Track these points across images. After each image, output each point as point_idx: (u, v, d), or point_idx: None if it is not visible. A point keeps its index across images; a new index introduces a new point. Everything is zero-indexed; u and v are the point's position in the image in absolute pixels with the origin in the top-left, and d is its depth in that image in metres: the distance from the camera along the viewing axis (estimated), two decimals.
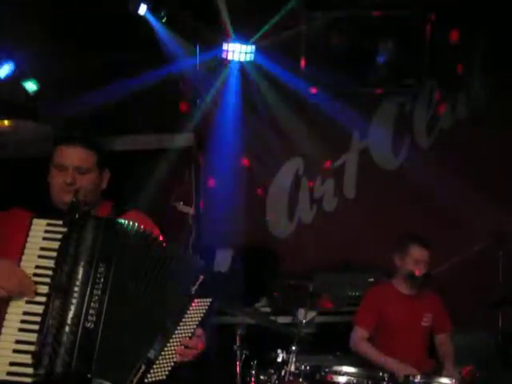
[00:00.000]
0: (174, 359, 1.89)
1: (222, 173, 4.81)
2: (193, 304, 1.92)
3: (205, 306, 1.94)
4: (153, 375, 1.86)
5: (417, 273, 3.40)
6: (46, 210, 1.99)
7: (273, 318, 3.97)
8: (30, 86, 3.95)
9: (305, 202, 5.04)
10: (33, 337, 1.79)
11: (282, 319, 4.02)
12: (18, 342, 1.80)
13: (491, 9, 4.30)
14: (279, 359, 2.82)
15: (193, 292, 1.91)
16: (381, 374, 2.72)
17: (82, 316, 1.81)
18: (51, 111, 4.41)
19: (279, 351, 2.85)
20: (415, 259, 3.43)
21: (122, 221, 1.95)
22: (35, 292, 1.83)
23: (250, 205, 4.88)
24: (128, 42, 4.14)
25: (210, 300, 1.94)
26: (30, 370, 1.77)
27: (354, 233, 4.77)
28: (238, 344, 2.93)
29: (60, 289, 1.81)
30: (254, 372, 2.92)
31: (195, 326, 1.93)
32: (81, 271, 1.83)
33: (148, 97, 4.44)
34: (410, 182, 4.80)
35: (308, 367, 2.77)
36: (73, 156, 2.02)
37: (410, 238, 3.52)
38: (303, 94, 4.71)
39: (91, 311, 1.82)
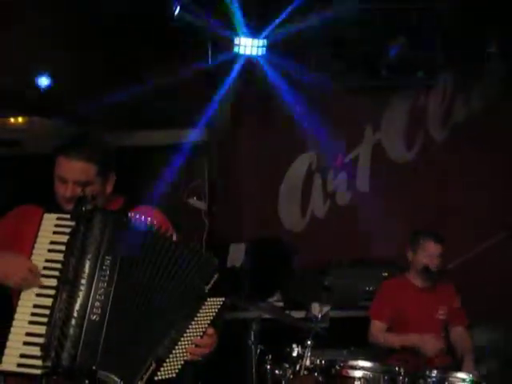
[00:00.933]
0: (185, 357, 1.89)
1: (235, 167, 4.81)
2: (206, 303, 1.91)
3: (217, 305, 1.94)
4: (163, 373, 1.86)
5: (431, 266, 3.39)
6: (58, 206, 2.02)
7: (287, 312, 3.96)
8: (43, 81, 3.96)
9: (318, 197, 5.02)
10: (42, 329, 1.82)
11: (295, 314, 4.01)
12: (28, 334, 1.84)
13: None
14: (294, 354, 2.81)
15: (206, 291, 1.91)
16: (397, 368, 2.70)
17: (88, 309, 1.83)
18: (65, 108, 4.43)
19: (294, 346, 2.85)
20: (429, 253, 3.42)
21: (130, 215, 1.96)
22: (40, 284, 1.86)
23: (263, 199, 4.87)
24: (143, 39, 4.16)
25: (223, 299, 1.94)
26: (39, 362, 1.80)
27: (368, 227, 4.74)
28: (252, 339, 2.93)
29: (67, 282, 1.84)
30: (268, 367, 2.91)
31: (207, 325, 1.93)
32: (87, 264, 1.86)
33: (162, 92, 4.44)
34: (423, 176, 4.78)
35: (323, 362, 2.77)
36: (72, 170, 2.02)
37: (423, 232, 3.51)
38: (315, 88, 4.69)
39: (97, 304, 1.83)
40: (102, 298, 1.84)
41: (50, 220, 1.94)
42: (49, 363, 1.78)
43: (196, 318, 1.91)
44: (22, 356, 1.81)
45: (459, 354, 3.40)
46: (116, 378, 1.83)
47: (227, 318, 4.00)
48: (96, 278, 1.85)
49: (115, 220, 1.93)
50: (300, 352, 2.80)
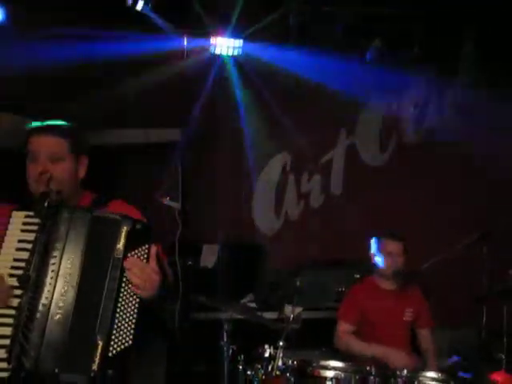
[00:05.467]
0: (133, 320, 1.84)
1: (210, 168, 4.80)
2: (127, 259, 1.85)
3: (144, 253, 1.88)
4: (116, 346, 1.81)
5: (394, 266, 3.41)
6: (27, 203, 1.96)
7: (259, 313, 3.96)
8: None
9: (292, 198, 5.04)
10: (8, 331, 1.77)
11: (268, 315, 4.01)
12: None
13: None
14: (266, 354, 2.81)
15: (121, 248, 1.85)
16: (368, 368, 2.72)
17: (51, 308, 1.79)
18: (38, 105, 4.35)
19: (266, 346, 2.84)
20: (388, 252, 3.45)
21: (95, 210, 1.92)
22: (7, 301, 1.81)
23: (237, 200, 4.87)
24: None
25: (147, 246, 1.89)
26: (5, 365, 1.75)
27: (341, 229, 4.78)
28: (225, 339, 2.92)
29: (29, 281, 1.79)
30: (241, 367, 2.90)
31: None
32: (51, 262, 1.82)
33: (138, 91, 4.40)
34: (396, 179, 4.83)
35: (295, 362, 2.77)
36: (43, 144, 1.98)
37: (382, 232, 3.55)
38: (291, 88, 4.71)
39: (60, 303, 1.79)
40: (66, 295, 1.81)
41: (18, 218, 1.90)
42: (12, 366, 1.74)
43: (124, 278, 1.85)
44: None
45: (424, 354, 3.44)
46: (81, 376, 1.78)
47: (200, 318, 4.02)
48: (60, 275, 1.82)
49: (80, 216, 1.89)
50: (272, 353, 2.80)
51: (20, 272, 1.82)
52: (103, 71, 4.26)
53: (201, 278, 4.28)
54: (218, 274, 4.41)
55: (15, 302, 1.81)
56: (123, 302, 1.85)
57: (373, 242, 3.57)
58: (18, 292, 1.82)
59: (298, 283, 4.38)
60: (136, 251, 1.89)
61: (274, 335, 3.03)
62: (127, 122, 4.76)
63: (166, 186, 4.23)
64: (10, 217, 1.91)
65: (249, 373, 2.89)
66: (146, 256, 1.90)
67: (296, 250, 4.83)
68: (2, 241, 1.87)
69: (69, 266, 1.83)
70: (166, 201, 3.78)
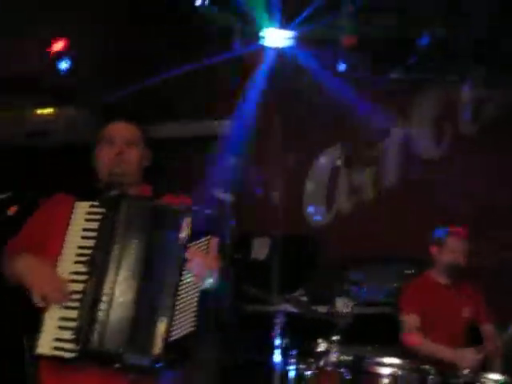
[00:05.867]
0: (193, 308, 1.91)
1: (262, 160, 4.79)
2: (189, 249, 1.93)
3: (204, 244, 1.95)
4: (177, 331, 1.88)
5: (456, 262, 3.33)
6: (89, 194, 2.05)
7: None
8: (64, 64, 3.94)
9: (343, 191, 4.97)
10: (74, 314, 1.87)
11: (318, 309, 3.97)
12: (61, 318, 1.89)
13: None
14: (320, 349, 2.77)
15: (183, 238, 1.92)
16: (427, 367, 2.64)
17: (117, 291, 1.88)
18: (93, 97, 4.45)
19: (320, 340, 2.81)
20: (453, 249, 3.36)
21: (157, 201, 2.02)
22: (68, 298, 1.90)
23: (289, 193, 4.84)
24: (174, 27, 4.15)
25: (208, 238, 1.96)
26: (72, 346, 1.85)
27: (394, 223, 4.68)
28: (277, 333, 2.90)
29: (95, 266, 1.90)
30: (293, 361, 2.88)
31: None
32: (115, 248, 1.91)
33: (189, 83, 4.43)
34: (452, 172, 4.69)
35: (350, 357, 2.72)
36: (120, 129, 2.12)
37: (442, 226, 3.47)
38: (342, 80, 4.63)
39: (122, 286, 1.89)
40: (130, 280, 1.90)
41: (81, 208, 1.99)
42: (79, 346, 1.84)
43: (184, 268, 1.93)
44: (56, 340, 1.87)
45: (488, 353, 3.33)
46: (143, 358, 1.86)
47: (250, 310, 4.03)
48: (123, 261, 1.90)
49: (141, 206, 1.98)
50: (326, 347, 2.76)
51: (84, 259, 1.91)
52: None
53: (251, 271, 4.29)
54: (269, 267, 4.41)
55: (80, 286, 1.90)
56: (184, 290, 1.92)
57: (433, 235, 3.48)
58: (82, 277, 1.90)
59: (349, 277, 4.35)
60: (197, 242, 1.96)
61: (326, 330, 3.00)
62: (177, 115, 4.80)
63: (218, 179, 4.27)
64: (73, 207, 2.00)
65: (301, 367, 2.86)
66: (206, 247, 1.96)
67: (347, 243, 4.76)
68: (67, 229, 1.96)
69: (132, 252, 1.92)
70: (219, 194, 3.81)
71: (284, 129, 4.89)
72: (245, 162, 4.72)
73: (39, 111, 4.78)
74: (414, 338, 3.25)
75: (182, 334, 1.89)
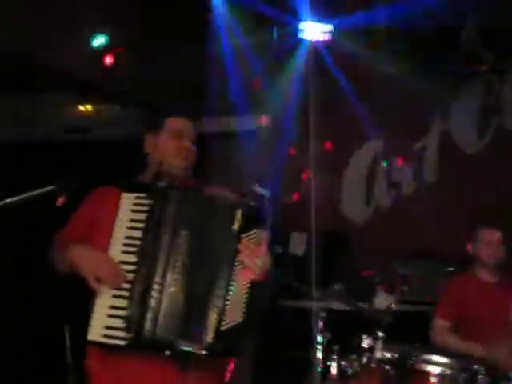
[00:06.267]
0: (244, 299, 1.93)
1: (300, 155, 4.75)
2: (241, 241, 1.94)
3: (255, 237, 1.96)
4: (228, 321, 1.90)
5: (492, 256, 3.22)
6: (133, 187, 2.07)
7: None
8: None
9: (382, 187, 4.90)
10: (124, 303, 1.90)
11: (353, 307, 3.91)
12: (111, 307, 1.92)
13: None
14: (364, 345, 2.73)
15: (235, 230, 1.92)
16: (477, 366, 2.55)
17: (167, 280, 1.90)
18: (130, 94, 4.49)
19: (364, 336, 2.76)
20: (487, 242, 3.25)
21: (203, 193, 2.04)
22: (123, 280, 1.92)
23: (326, 187, 4.80)
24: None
25: (258, 231, 1.97)
26: (122, 334, 1.88)
27: (435, 219, 4.58)
28: (319, 328, 2.87)
29: (145, 255, 1.91)
30: (335, 357, 2.85)
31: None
32: (164, 239, 1.92)
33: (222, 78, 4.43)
34: (494, 167, 4.57)
35: (395, 354, 2.67)
36: (186, 125, 2.18)
37: (478, 221, 3.36)
38: (381, 75, 4.56)
39: (175, 275, 1.90)
40: (180, 269, 1.91)
41: (128, 199, 2.00)
42: (131, 335, 1.86)
43: (237, 259, 1.94)
44: (107, 327, 1.90)
45: None
46: (195, 346, 1.88)
47: (293, 306, 4.01)
48: (173, 251, 1.92)
49: (189, 197, 1.99)
50: (370, 343, 2.71)
51: (132, 249, 1.94)
52: None
53: (289, 266, 4.27)
54: (307, 262, 4.38)
55: (129, 276, 1.92)
56: (235, 282, 1.93)
57: (470, 231, 3.38)
58: (131, 267, 1.93)
59: (389, 274, 4.28)
60: (248, 234, 1.96)
61: (366, 326, 2.96)
62: (216, 111, 4.80)
63: (256, 173, 4.25)
64: (120, 198, 2.01)
65: (343, 363, 2.82)
66: (257, 239, 1.97)
67: (386, 239, 4.68)
68: (114, 221, 1.98)
69: (182, 242, 1.93)
70: (257, 188, 3.80)
71: (322, 124, 4.84)
72: (282, 156, 4.70)
73: (81, 108, 4.86)
74: (440, 337, 3.16)
75: (232, 324, 1.91)
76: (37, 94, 4.50)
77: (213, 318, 1.89)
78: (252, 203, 2.03)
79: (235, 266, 1.94)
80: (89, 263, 1.93)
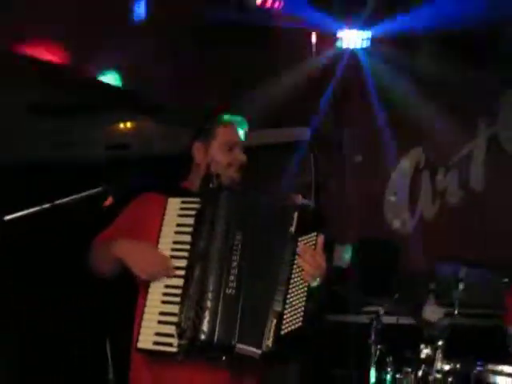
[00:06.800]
0: (302, 304, 1.86)
1: (341, 165, 4.67)
2: (298, 244, 1.87)
3: (312, 240, 1.89)
4: (287, 326, 1.83)
5: None
6: (179, 192, 2.03)
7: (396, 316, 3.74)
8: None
9: (427, 196, 4.75)
10: (175, 308, 1.82)
11: (403, 319, 3.78)
12: (161, 313, 1.84)
13: None
14: (423, 355, 2.59)
15: (293, 232, 1.86)
16: None
17: (223, 283, 1.83)
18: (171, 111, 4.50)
19: (422, 346, 2.62)
20: None
21: (253, 192, 1.98)
22: (174, 268, 1.87)
23: (370, 198, 4.69)
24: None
25: (315, 234, 1.89)
26: (174, 340, 1.80)
27: (483, 228, 4.42)
28: (372, 339, 2.75)
29: (199, 257, 1.84)
30: (389, 369, 2.72)
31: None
32: (218, 239, 1.86)
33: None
34: None
35: (457, 365, 2.52)
36: (239, 135, 2.11)
37: None
38: (422, 81, 4.46)
39: (231, 277, 1.83)
40: (235, 271, 1.84)
41: (174, 204, 1.94)
42: (184, 341, 1.79)
43: (296, 261, 1.88)
44: (157, 334, 1.82)
45: None
46: (254, 350, 1.80)
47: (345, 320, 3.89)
48: (228, 252, 1.85)
49: (240, 197, 1.93)
50: (430, 354, 2.57)
51: (182, 253, 1.87)
52: None
53: (333, 277, 4.17)
54: (352, 274, 4.27)
55: (179, 281, 1.85)
56: (293, 286, 1.86)
57: None
58: (181, 272, 1.86)
59: (434, 286, 4.12)
60: (305, 237, 1.89)
61: (416, 338, 2.84)
62: (256, 123, 4.76)
63: (298, 185, 4.19)
64: (166, 203, 1.95)
65: (398, 376, 2.69)
66: (314, 243, 1.90)
67: (433, 250, 4.54)
68: (161, 225, 1.92)
69: (236, 244, 1.86)
70: (299, 200, 3.74)
71: (362, 134, 4.76)
72: (325, 167, 4.62)
73: (121, 125, 4.91)
74: None
75: (291, 328, 1.83)
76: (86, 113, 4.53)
77: (272, 321, 1.81)
78: (309, 205, 1.95)
79: (293, 269, 1.86)
80: (137, 255, 1.87)
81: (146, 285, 1.89)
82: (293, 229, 1.87)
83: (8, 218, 1.64)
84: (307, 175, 4.47)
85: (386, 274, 4.39)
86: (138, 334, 1.84)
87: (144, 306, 1.87)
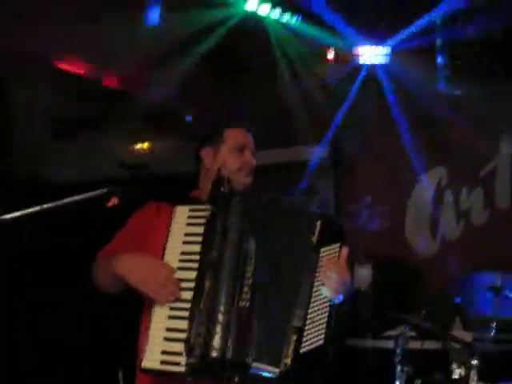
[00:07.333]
0: (324, 319, 1.69)
1: (360, 184, 4.54)
2: (320, 255, 1.73)
3: (335, 252, 1.75)
4: (307, 343, 1.66)
5: None
6: (186, 200, 1.89)
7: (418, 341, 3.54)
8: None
9: (450, 217, 4.58)
10: (182, 324, 1.66)
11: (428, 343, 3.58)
12: (168, 329, 1.68)
13: None
14: (455, 376, 2.39)
15: (315, 242, 1.72)
16: None
17: (236, 295, 1.67)
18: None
19: (454, 366, 2.43)
20: None
21: (269, 196, 1.83)
22: (182, 280, 1.72)
23: (390, 219, 4.54)
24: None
25: (339, 245, 1.76)
26: (182, 359, 1.63)
27: (511, 248, 4.22)
28: (398, 359, 2.56)
29: (210, 267, 1.68)
30: None
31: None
32: (230, 248, 1.70)
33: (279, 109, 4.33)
34: None
35: None
36: (249, 138, 2.01)
37: None
38: (443, 97, 4.34)
39: (245, 289, 1.67)
40: (250, 282, 1.68)
41: (182, 212, 1.81)
42: (193, 359, 1.62)
43: (317, 273, 1.73)
44: (164, 353, 1.66)
45: None
46: (271, 368, 1.63)
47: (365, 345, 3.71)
48: (241, 261, 1.69)
49: (252, 202, 1.78)
50: (463, 374, 2.37)
51: (190, 265, 1.72)
52: None
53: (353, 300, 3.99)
54: (372, 297, 4.09)
55: (187, 294, 1.70)
56: (315, 300, 1.71)
57: None
58: (189, 285, 1.70)
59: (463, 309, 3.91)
60: (328, 248, 1.75)
61: (443, 361, 2.65)
62: (269, 142, 4.68)
63: (316, 203, 4.09)
64: (173, 212, 1.82)
65: None
66: (337, 255, 1.75)
67: (457, 273, 4.34)
68: (168, 235, 1.78)
69: (250, 253, 1.71)
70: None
71: (381, 152, 4.63)
72: (343, 185, 4.51)
73: (139, 146, 4.87)
74: None
75: (312, 346, 1.66)
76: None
77: (291, 338, 1.64)
78: (331, 215, 1.82)
79: (315, 281, 1.71)
80: (141, 272, 1.72)
81: (151, 299, 1.74)
82: (315, 238, 1.72)
83: (8, 217, 1.52)
84: (325, 194, 4.38)
85: (409, 295, 4.20)
86: (143, 352, 1.68)
87: (149, 321, 1.71)
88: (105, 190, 1.71)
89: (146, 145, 4.90)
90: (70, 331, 3.98)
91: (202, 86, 4.22)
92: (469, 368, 2.37)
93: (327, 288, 1.71)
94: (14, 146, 4.18)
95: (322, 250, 1.74)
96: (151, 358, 1.67)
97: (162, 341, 1.67)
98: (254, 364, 1.63)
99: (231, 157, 1.95)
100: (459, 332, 3.68)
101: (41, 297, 3.93)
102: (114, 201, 1.70)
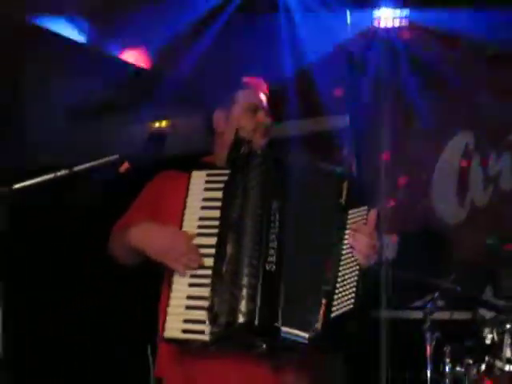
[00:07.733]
0: (354, 284, 1.64)
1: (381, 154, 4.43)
2: (348, 216, 1.68)
3: (363, 214, 1.70)
4: (338, 307, 1.61)
5: None
6: (203, 165, 1.83)
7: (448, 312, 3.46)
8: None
9: (478, 182, 4.44)
10: (205, 291, 1.61)
11: (459, 314, 3.49)
12: (189, 297, 1.63)
13: None
14: (488, 341, 2.30)
15: (343, 203, 1.67)
16: None
17: (261, 258, 1.59)
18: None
19: (487, 331, 2.33)
20: None
21: (292, 156, 1.80)
22: (202, 246, 1.66)
23: (414, 187, 4.43)
24: None
25: (366, 208, 1.71)
26: (206, 327, 1.58)
27: None
28: (427, 324, 2.48)
29: (232, 230, 1.62)
30: (447, 360, 2.44)
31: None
32: (252, 210, 1.64)
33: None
34: None
35: None
36: (262, 97, 1.94)
37: None
38: (466, 56, 4.18)
39: (271, 251, 1.60)
40: (275, 245, 1.61)
41: (199, 178, 1.75)
42: (217, 328, 1.57)
43: (346, 236, 1.68)
44: (186, 321, 1.62)
45: None
46: (301, 333, 1.57)
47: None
48: (265, 223, 1.63)
49: (273, 162, 1.71)
50: (496, 339, 2.27)
51: (210, 231, 1.66)
52: None
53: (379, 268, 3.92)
54: (398, 267, 4.00)
55: (209, 261, 1.64)
56: (344, 263, 1.65)
57: None
58: (209, 251, 1.65)
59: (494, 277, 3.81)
60: (356, 211, 1.69)
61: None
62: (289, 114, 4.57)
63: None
64: (190, 178, 1.77)
65: (458, 369, 2.41)
66: (365, 218, 1.70)
67: (486, 240, 4.22)
68: (185, 201, 1.73)
69: (275, 216, 1.64)
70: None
71: (402, 118, 4.50)
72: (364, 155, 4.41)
73: (157, 124, 4.83)
74: None
75: (342, 311, 1.61)
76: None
77: (321, 301, 1.59)
78: (356, 177, 1.75)
79: (343, 244, 1.65)
80: (159, 241, 1.67)
81: (171, 269, 1.69)
82: (342, 200, 1.66)
83: (18, 186, 1.48)
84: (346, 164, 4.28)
85: (436, 265, 4.11)
86: (164, 321, 1.64)
87: (169, 291, 1.67)
88: (116, 156, 1.66)
89: (164, 123, 4.86)
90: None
91: None
92: (502, 333, 2.28)
93: (357, 251, 1.65)
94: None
95: (350, 211, 1.68)
96: (173, 327, 1.62)
97: (183, 310, 1.62)
98: (284, 329, 1.58)
99: (244, 117, 1.88)
100: (490, 299, 3.61)
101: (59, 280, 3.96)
102: (125, 166, 1.66)
